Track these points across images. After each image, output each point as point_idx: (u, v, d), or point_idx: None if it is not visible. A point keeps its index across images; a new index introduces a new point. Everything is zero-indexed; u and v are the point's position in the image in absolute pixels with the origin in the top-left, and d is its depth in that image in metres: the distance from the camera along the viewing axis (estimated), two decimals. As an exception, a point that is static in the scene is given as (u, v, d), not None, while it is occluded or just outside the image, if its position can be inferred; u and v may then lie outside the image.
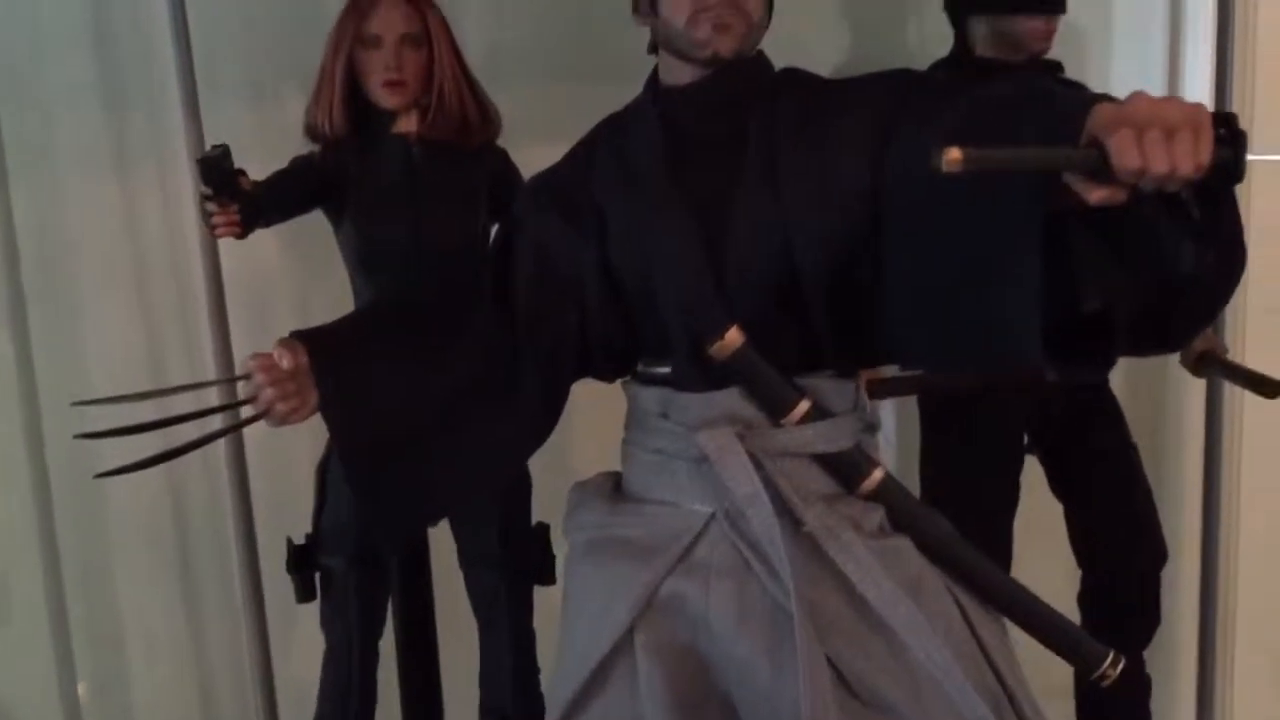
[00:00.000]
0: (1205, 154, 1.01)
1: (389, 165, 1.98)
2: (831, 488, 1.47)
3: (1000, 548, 2.28)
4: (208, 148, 1.70)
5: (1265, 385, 2.00)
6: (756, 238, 1.43)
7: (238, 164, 1.81)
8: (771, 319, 1.44)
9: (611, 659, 1.41)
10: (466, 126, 1.98)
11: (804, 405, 1.44)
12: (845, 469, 1.47)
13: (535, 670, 2.19)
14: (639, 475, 1.56)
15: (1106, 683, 1.47)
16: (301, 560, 2.09)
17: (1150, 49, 2.68)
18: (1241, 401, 2.31)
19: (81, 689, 2.62)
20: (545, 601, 2.16)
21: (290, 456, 2.37)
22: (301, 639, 2.38)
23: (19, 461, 2.49)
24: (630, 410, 1.59)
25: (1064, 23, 2.17)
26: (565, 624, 1.54)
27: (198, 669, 2.70)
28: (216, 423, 1.48)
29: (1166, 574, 2.30)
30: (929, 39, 2.46)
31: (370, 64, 1.94)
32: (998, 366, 1.28)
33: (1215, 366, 2.12)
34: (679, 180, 1.47)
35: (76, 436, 1.39)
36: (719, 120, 1.47)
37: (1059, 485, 2.32)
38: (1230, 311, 2.28)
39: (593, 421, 1.75)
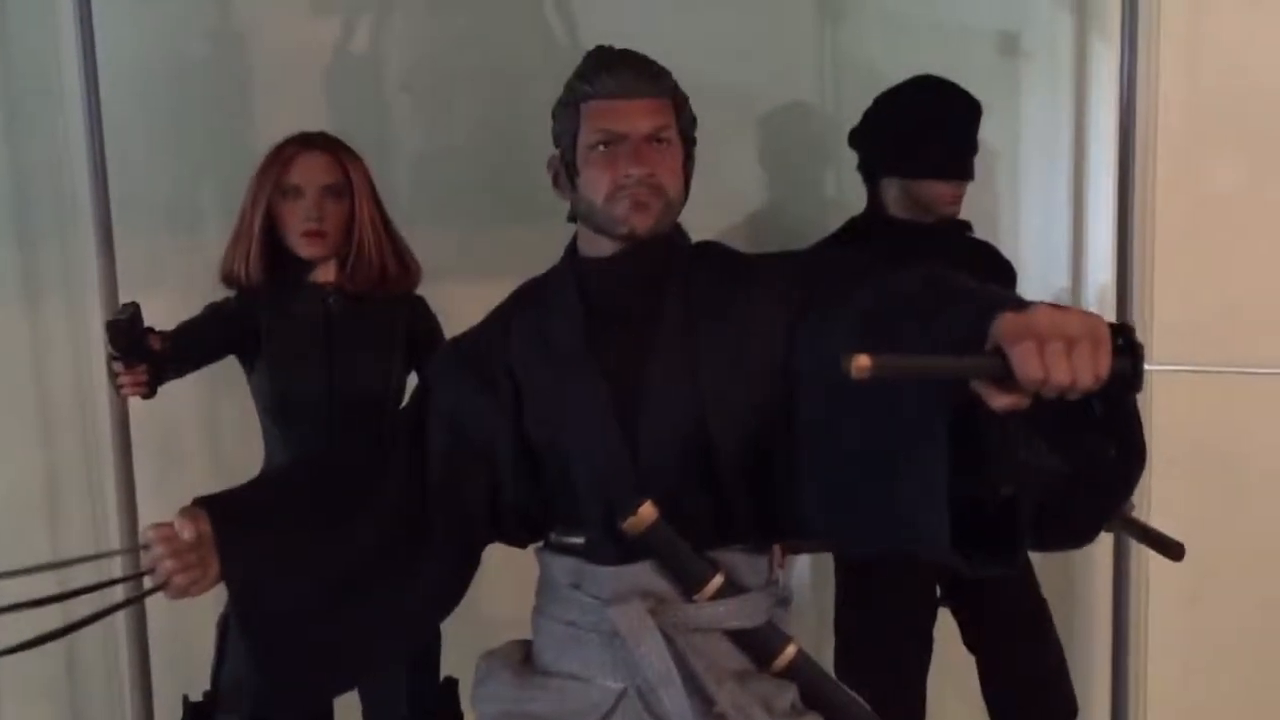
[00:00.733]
0: (1104, 366, 1.04)
1: (306, 314, 1.96)
2: (744, 664, 1.46)
3: (914, 699, 2.28)
4: (118, 307, 1.67)
5: (1170, 548, 2.03)
6: (671, 412, 1.44)
7: (152, 299, 1.78)
8: (685, 492, 1.44)
9: None
10: (385, 277, 1.98)
11: (717, 580, 1.43)
12: (758, 646, 1.46)
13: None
14: (549, 646, 1.53)
15: None
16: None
17: (1055, 204, 2.79)
18: (1148, 559, 2.36)
19: None
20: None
21: (190, 609, 2.28)
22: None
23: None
24: (542, 578, 1.57)
25: (973, 184, 2.25)
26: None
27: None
28: (116, 592, 1.43)
29: (1077, 728, 2.32)
30: (845, 190, 2.53)
31: (290, 214, 1.93)
32: (907, 551, 1.28)
33: (1123, 525, 2.16)
34: (595, 352, 1.48)
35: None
36: (636, 294, 1.49)
37: (971, 638, 2.34)
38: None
39: (505, 571, 1.72)
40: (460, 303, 2.13)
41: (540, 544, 1.58)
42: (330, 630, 1.46)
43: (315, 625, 1.45)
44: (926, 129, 2.18)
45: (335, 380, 1.95)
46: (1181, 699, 2.60)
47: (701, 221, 1.58)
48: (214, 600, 2.03)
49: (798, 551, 1.64)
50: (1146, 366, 1.08)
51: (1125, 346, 1.07)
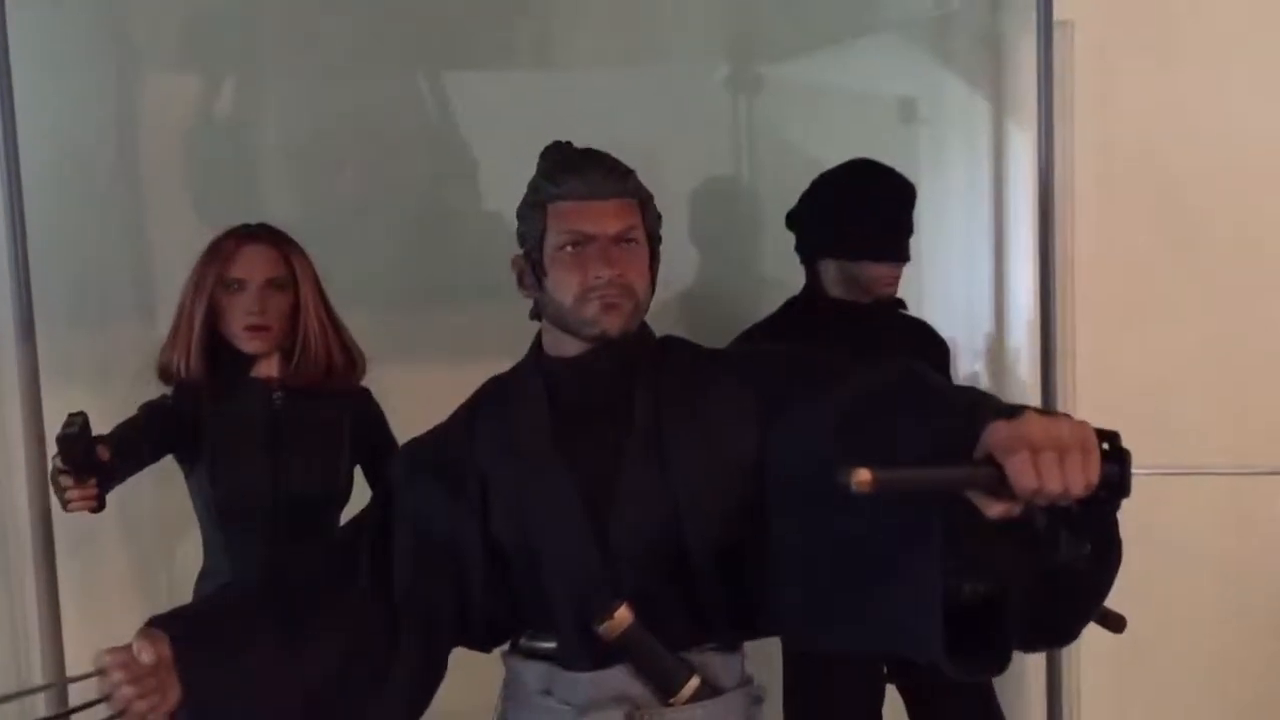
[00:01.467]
0: (1094, 473, 1.06)
1: (248, 411, 1.91)
2: (721, 767, 1.44)
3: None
4: (63, 419, 1.59)
5: (1110, 620, 2.07)
6: (643, 512, 1.42)
7: (72, 398, 1.70)
8: (658, 592, 1.42)
9: None
10: (331, 370, 1.94)
11: (694, 683, 1.42)
12: (735, 748, 1.44)
13: None
14: (520, 755, 1.49)
15: None
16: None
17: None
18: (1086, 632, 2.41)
19: None
20: None
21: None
22: None
23: None
24: (509, 684, 1.54)
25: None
26: None
27: None
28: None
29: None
30: (778, 268, 2.55)
31: (232, 307, 1.89)
32: (892, 654, 1.29)
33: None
34: (564, 452, 1.46)
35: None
36: (604, 393, 1.47)
37: (918, 715, 2.35)
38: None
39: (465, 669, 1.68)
40: (397, 382, 2.11)
41: (506, 648, 1.55)
42: None
43: None
44: (863, 212, 2.23)
45: (280, 481, 1.90)
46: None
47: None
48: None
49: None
50: None
51: (1113, 451, 1.10)
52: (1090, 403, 2.56)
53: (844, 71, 2.79)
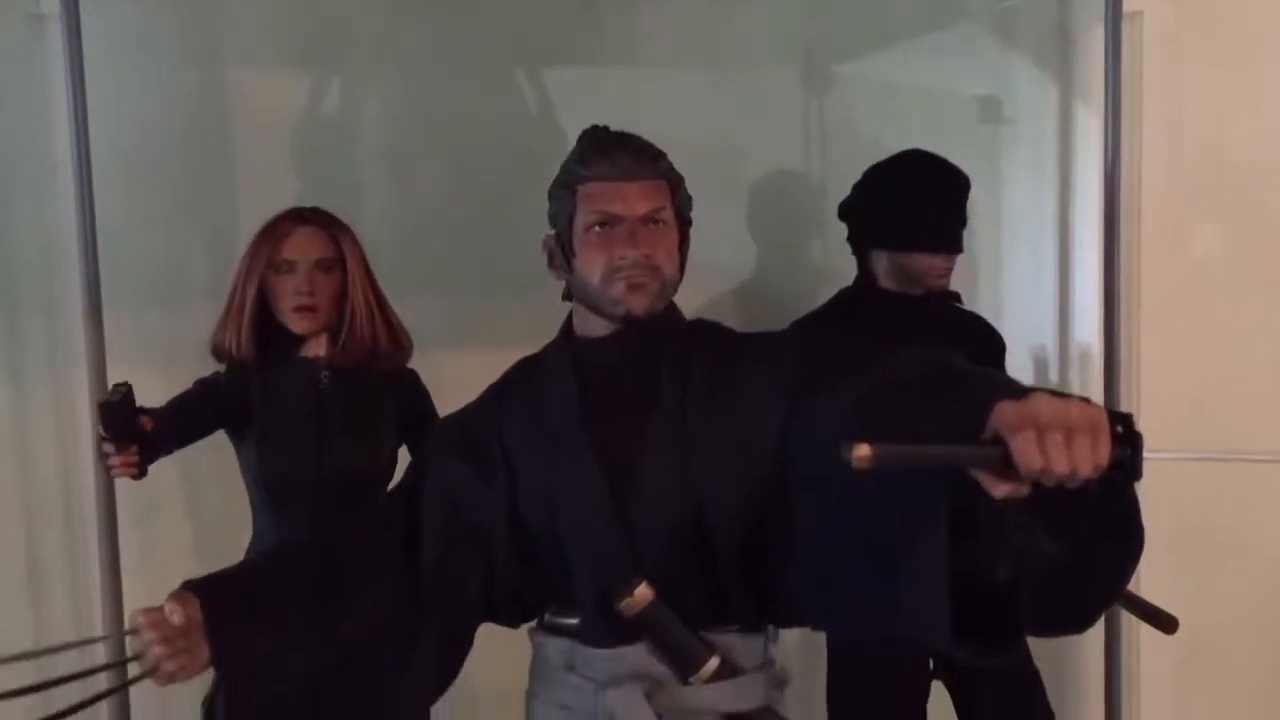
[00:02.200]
0: (1103, 456, 1.04)
1: (296, 390, 1.96)
2: (741, 748, 1.44)
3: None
4: (109, 388, 1.65)
5: (1163, 621, 2.03)
6: (666, 494, 1.43)
7: (137, 374, 1.76)
8: (680, 573, 1.43)
9: None
10: (377, 352, 1.97)
11: (714, 663, 1.42)
12: (755, 729, 1.44)
13: None
14: (544, 731, 1.51)
15: None
16: (182, 802, 1.97)
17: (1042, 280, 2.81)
18: (1139, 631, 2.35)
19: None
20: None
21: (173, 696, 2.25)
22: None
23: None
24: (535, 660, 1.56)
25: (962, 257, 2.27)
26: None
27: None
28: (101, 679, 1.40)
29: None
30: (833, 260, 2.54)
31: (282, 288, 1.93)
32: (905, 638, 1.27)
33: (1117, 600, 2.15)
34: (590, 432, 1.47)
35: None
36: (631, 374, 1.48)
37: (965, 713, 2.31)
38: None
39: (494, 649, 1.70)
40: (444, 371, 2.14)
41: (533, 624, 1.56)
42: (321, 714, 1.44)
43: (306, 708, 1.42)
44: (916, 202, 2.21)
45: (325, 458, 1.94)
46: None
47: (689, 292, 1.57)
48: (196, 683, 2.02)
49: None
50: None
51: (1125, 435, 1.07)
52: (1153, 395, 2.50)
53: (913, 68, 2.77)
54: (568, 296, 1.55)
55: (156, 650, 1.33)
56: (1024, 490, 1.07)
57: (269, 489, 1.95)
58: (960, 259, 2.27)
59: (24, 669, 1.32)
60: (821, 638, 2.32)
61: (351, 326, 1.95)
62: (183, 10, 2.48)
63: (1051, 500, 1.13)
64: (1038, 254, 2.82)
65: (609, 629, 1.43)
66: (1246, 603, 2.59)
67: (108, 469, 1.74)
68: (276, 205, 2.00)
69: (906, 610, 1.18)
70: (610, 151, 1.46)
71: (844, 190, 2.33)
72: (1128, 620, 2.33)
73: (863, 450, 1.03)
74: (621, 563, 1.42)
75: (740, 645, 1.46)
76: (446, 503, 1.51)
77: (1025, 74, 2.82)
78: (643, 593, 1.40)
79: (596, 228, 1.45)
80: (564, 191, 1.49)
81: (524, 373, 1.58)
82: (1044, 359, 2.82)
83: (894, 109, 2.75)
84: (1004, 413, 1.05)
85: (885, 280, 2.27)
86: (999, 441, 1.06)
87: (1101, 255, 2.44)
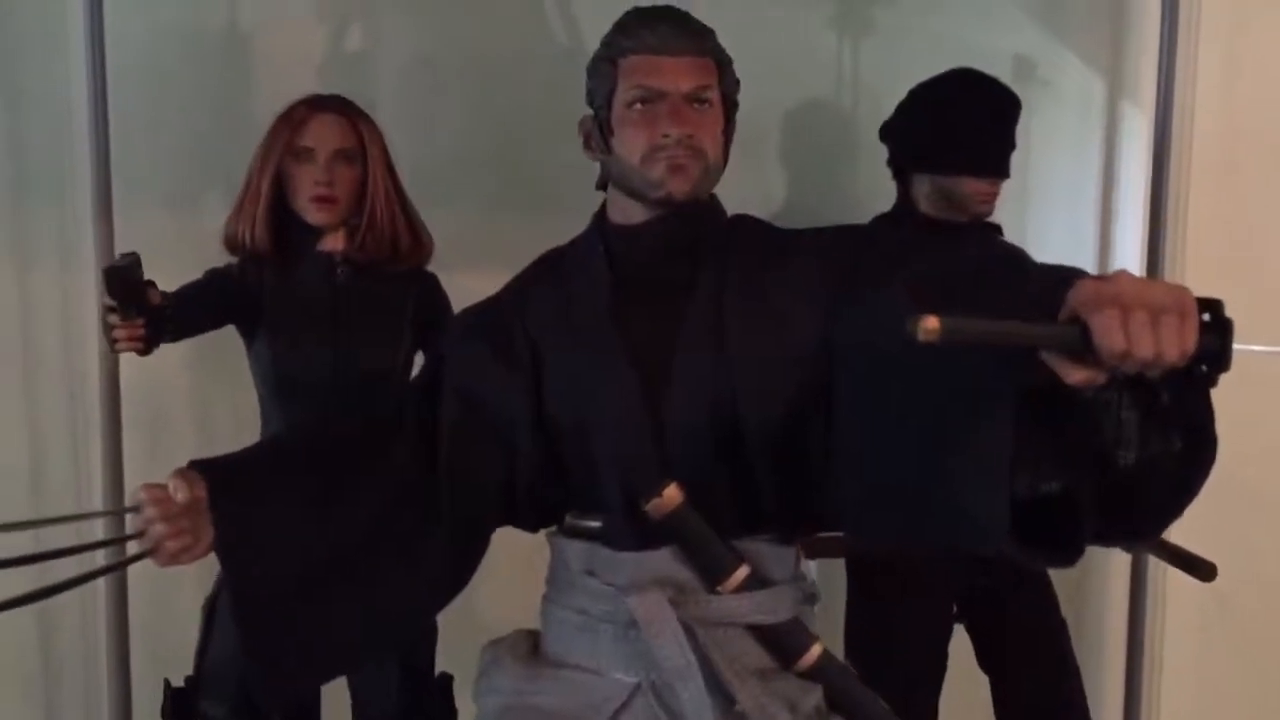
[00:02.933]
0: (1191, 341, 0.96)
1: (311, 284, 1.88)
2: (766, 662, 1.38)
3: (926, 718, 2.19)
4: (117, 255, 1.57)
5: (1199, 568, 1.95)
6: (699, 387, 1.36)
7: (149, 272, 1.69)
8: (712, 475, 1.36)
9: None
10: (396, 249, 1.89)
11: (743, 572, 1.35)
12: (782, 643, 1.38)
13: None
14: (559, 636, 1.44)
15: None
16: (180, 706, 1.90)
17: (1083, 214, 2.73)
18: (1165, 578, 2.29)
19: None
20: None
21: (174, 586, 2.19)
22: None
23: None
24: (553, 564, 1.48)
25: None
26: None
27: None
28: (99, 558, 1.33)
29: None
30: (874, 187, 2.46)
31: (300, 177, 1.85)
32: (956, 546, 1.20)
33: (1150, 547, 2.08)
34: (621, 324, 1.39)
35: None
36: (668, 264, 1.40)
37: (986, 658, 2.25)
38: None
39: (505, 566, 1.63)
40: (463, 289, 2.07)
41: (553, 529, 1.49)
42: (326, 608, 1.37)
43: (311, 601, 1.35)
44: (963, 123, 2.10)
45: (339, 355, 1.86)
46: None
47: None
48: (198, 578, 1.97)
49: (811, 556, 1.54)
50: None
51: (1213, 322, 0.99)
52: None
53: (956, 20, 2.67)
54: (602, 185, 1.47)
55: (158, 528, 1.27)
56: (1100, 378, 0.99)
57: (278, 388, 1.87)
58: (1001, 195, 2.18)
59: (22, 541, 1.25)
60: (842, 572, 2.25)
61: (371, 220, 1.86)
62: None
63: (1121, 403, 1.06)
64: (1080, 192, 2.73)
65: (634, 532, 1.36)
66: (1276, 559, 2.53)
67: (112, 342, 1.66)
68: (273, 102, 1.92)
69: (960, 506, 1.10)
70: (655, 23, 1.37)
71: (879, 117, 2.24)
72: (1153, 569, 2.27)
73: (930, 322, 0.94)
74: (650, 462, 1.35)
75: (771, 555, 1.39)
76: (465, 394, 1.43)
77: (1073, 34, 2.72)
78: (671, 494, 1.32)
79: (639, 105, 1.36)
80: (604, 65, 1.40)
81: (551, 263, 1.50)
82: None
83: (929, 49, 2.66)
84: (1084, 289, 0.97)
85: (926, 206, 2.17)
86: (1077, 321, 0.98)
87: (1146, 222, 2.36)
